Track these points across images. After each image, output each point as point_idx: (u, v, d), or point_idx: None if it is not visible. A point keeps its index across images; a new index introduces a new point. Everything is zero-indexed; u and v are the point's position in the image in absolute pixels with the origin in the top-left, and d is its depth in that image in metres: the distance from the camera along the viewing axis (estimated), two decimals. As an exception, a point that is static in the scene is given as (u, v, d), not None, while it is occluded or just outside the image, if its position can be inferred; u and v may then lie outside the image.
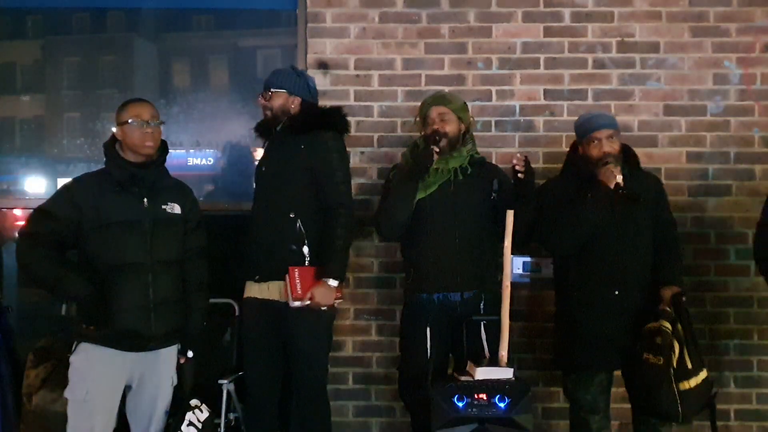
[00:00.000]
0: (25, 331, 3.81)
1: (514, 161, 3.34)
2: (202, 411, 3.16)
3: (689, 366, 3.17)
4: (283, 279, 3.35)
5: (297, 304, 3.29)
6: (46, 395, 3.40)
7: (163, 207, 3.12)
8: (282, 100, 3.50)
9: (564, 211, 3.40)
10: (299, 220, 3.41)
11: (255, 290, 3.46)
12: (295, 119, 3.49)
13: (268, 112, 3.52)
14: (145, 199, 3.09)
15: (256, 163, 3.59)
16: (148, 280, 3.03)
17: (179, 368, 3.19)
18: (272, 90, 3.50)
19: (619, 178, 3.34)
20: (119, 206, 3.05)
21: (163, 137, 3.17)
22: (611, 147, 3.42)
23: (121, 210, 3.05)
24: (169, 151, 3.22)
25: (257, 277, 3.44)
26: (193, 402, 3.16)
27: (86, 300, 2.98)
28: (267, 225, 3.44)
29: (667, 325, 3.21)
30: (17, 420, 3.52)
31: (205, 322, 3.27)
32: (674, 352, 3.18)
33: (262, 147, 3.64)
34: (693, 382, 3.17)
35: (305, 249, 3.40)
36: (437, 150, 3.40)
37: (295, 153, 3.44)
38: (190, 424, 3.11)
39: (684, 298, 3.31)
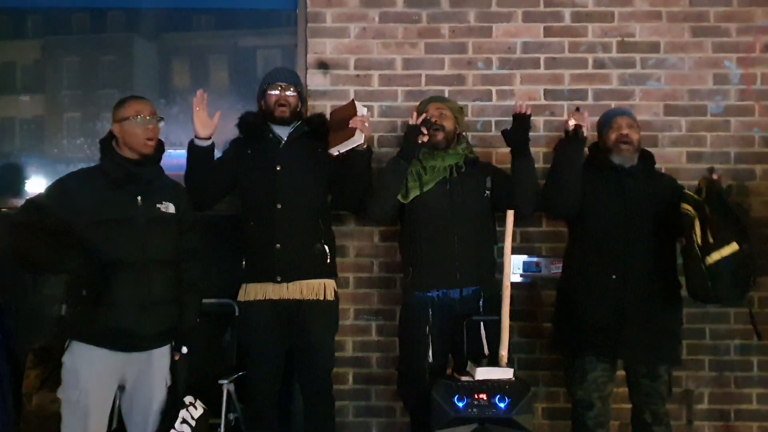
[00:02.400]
0: (25, 331, 3.81)
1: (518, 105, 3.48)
2: (196, 408, 3.13)
3: (710, 241, 3.21)
4: (306, 279, 3.44)
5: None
6: (46, 395, 3.40)
7: (158, 206, 3.11)
8: (297, 101, 3.56)
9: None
10: (321, 221, 3.52)
11: (269, 291, 3.46)
12: (313, 124, 3.60)
13: (286, 109, 3.52)
14: (140, 197, 3.08)
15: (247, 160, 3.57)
16: (144, 279, 3.02)
17: (173, 365, 3.17)
18: (295, 89, 3.56)
19: (571, 123, 3.40)
20: (113, 203, 3.04)
21: (161, 136, 3.18)
22: (629, 132, 3.48)
23: (115, 207, 3.04)
24: (166, 150, 3.22)
25: (279, 278, 3.44)
26: (188, 399, 3.14)
27: (87, 274, 2.94)
28: (292, 226, 3.45)
29: (687, 207, 3.28)
30: (17, 420, 3.52)
31: (198, 319, 3.25)
32: (695, 232, 3.23)
33: (238, 142, 3.62)
34: (716, 255, 3.21)
35: (327, 249, 3.51)
36: (425, 131, 3.41)
37: (314, 156, 3.53)
38: (184, 421, 3.08)
39: (715, 176, 3.32)
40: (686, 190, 3.42)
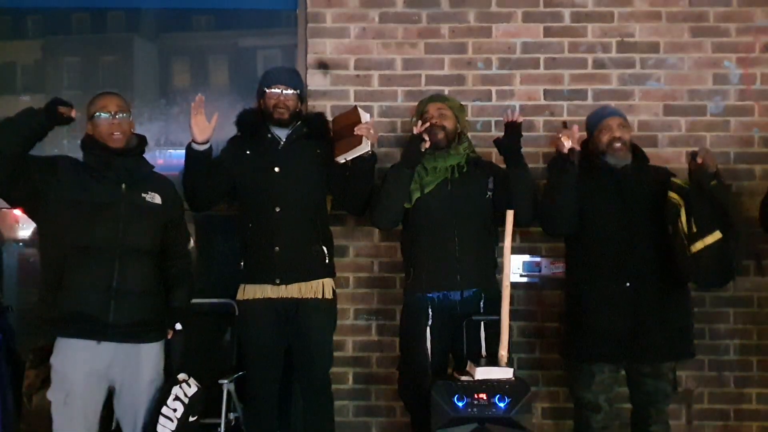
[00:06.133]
0: (25, 331, 3.81)
1: (509, 114, 3.47)
2: (189, 385, 3.10)
3: (694, 230, 3.24)
4: (304, 280, 3.44)
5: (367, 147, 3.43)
6: (46, 395, 3.40)
7: (143, 195, 3.10)
8: (296, 102, 3.54)
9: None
10: (319, 223, 3.51)
11: (268, 291, 3.46)
12: (313, 124, 3.59)
13: (285, 111, 3.52)
14: (124, 185, 3.07)
15: (247, 162, 3.57)
16: (114, 266, 3.00)
17: (167, 343, 3.16)
18: (294, 90, 3.54)
19: (568, 144, 3.37)
20: (96, 188, 3.04)
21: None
22: (621, 133, 3.46)
23: (97, 191, 3.04)
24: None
25: (278, 280, 3.43)
26: (181, 376, 3.10)
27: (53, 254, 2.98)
28: (291, 229, 3.45)
29: (673, 195, 3.33)
30: (17, 420, 3.52)
31: (191, 299, 3.23)
32: (681, 220, 3.27)
33: (236, 141, 3.62)
34: (700, 244, 3.24)
35: (325, 249, 3.51)
36: (427, 137, 3.41)
37: (313, 157, 3.53)
38: (177, 398, 3.04)
39: (699, 159, 3.29)
40: (673, 178, 3.42)
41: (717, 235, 3.24)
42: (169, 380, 3.11)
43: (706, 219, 3.25)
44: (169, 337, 3.17)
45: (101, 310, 2.98)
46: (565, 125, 3.49)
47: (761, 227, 3.57)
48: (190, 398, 3.08)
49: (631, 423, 3.55)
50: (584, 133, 3.55)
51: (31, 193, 3.04)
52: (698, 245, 3.23)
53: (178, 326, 3.16)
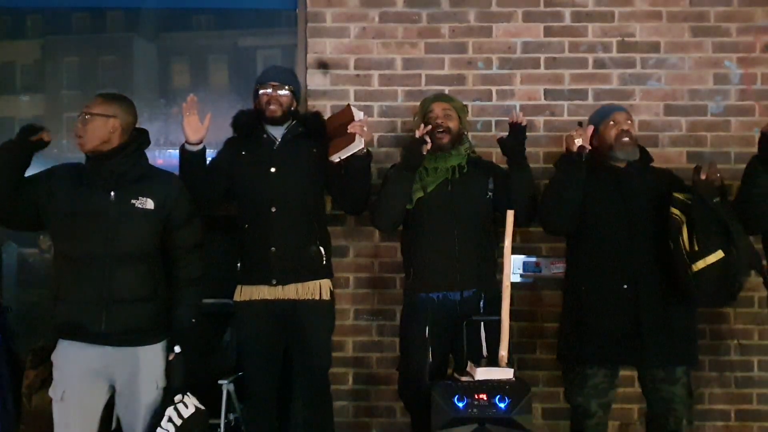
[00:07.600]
0: (25, 331, 3.81)
1: (514, 116, 3.47)
2: (187, 406, 3.06)
3: (696, 248, 3.20)
4: (301, 281, 3.43)
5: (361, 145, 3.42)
6: (45, 395, 3.39)
7: (133, 201, 3.04)
8: (290, 100, 3.53)
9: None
10: (317, 223, 3.50)
11: (264, 292, 3.45)
12: (309, 123, 3.57)
13: (277, 108, 3.51)
14: (113, 192, 3.03)
15: (242, 162, 3.55)
16: (106, 276, 2.97)
17: (167, 365, 3.12)
18: (286, 87, 3.53)
19: (579, 141, 3.34)
20: (85, 197, 3.02)
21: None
22: (629, 127, 3.47)
23: (86, 201, 3.01)
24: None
25: (274, 281, 3.43)
26: (177, 397, 3.06)
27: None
28: (287, 229, 3.44)
29: (675, 211, 3.28)
30: (17, 420, 3.52)
31: (193, 318, 3.17)
32: (682, 237, 3.22)
33: (233, 142, 3.61)
34: (702, 263, 3.20)
35: (322, 250, 3.50)
36: (428, 139, 3.41)
37: (309, 157, 3.51)
38: (170, 420, 3.02)
39: (703, 175, 3.25)
40: (676, 194, 3.35)
41: (719, 255, 3.20)
42: (165, 400, 3.07)
43: (709, 238, 3.20)
44: (170, 359, 3.11)
45: (93, 320, 2.97)
46: (580, 125, 3.48)
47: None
48: (185, 420, 3.03)
49: (646, 428, 3.53)
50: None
51: (33, 215, 3.07)
52: (700, 264, 3.20)
53: (177, 349, 3.10)
